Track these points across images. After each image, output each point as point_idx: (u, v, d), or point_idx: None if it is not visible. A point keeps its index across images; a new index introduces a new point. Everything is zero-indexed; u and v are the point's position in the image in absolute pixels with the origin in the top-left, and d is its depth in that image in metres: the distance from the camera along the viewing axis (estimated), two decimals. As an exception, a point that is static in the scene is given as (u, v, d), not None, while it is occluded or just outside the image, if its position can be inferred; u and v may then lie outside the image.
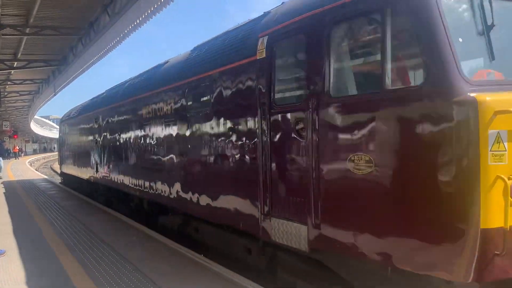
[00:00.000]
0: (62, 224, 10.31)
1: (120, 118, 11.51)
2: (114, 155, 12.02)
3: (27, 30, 14.70)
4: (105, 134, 13.01)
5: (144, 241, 8.27)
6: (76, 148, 17.59)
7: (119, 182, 11.60)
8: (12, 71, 21.36)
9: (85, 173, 15.77)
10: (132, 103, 10.48)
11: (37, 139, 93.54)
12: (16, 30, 14.33)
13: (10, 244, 8.26)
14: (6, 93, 30.41)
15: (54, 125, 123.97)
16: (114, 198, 13.14)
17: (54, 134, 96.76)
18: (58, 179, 25.49)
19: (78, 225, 10.03)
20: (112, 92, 13.46)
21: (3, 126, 45.74)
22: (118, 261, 6.90)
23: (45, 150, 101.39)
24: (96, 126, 14.01)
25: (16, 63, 19.91)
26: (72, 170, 18.63)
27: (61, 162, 22.68)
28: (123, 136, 11.17)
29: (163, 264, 6.66)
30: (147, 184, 9.43)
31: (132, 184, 10.48)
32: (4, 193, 17.17)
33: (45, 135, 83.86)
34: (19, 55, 18.73)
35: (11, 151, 55.63)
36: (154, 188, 8.98)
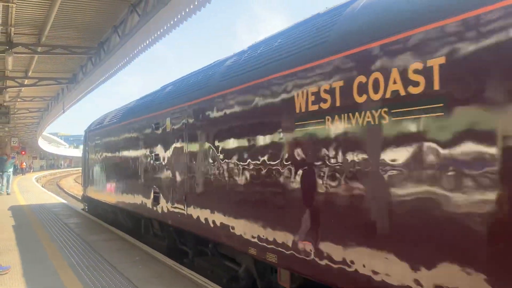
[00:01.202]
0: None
1: (208, 121, 6.91)
2: (196, 179, 7.26)
3: (39, 49, 14.97)
4: (179, 147, 7.98)
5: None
6: (113, 166, 12.41)
7: (209, 223, 6.74)
8: (23, 88, 21.66)
9: (130, 202, 10.79)
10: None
11: (44, 155, 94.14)
12: (28, 48, 14.60)
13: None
14: (16, 110, 30.81)
15: (62, 142, 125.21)
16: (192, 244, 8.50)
17: (61, 151, 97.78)
18: (71, 202, 21.88)
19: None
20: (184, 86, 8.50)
21: (12, 142, 46.17)
22: None
23: (51, 167, 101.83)
24: (158, 135, 8.96)
25: (26, 80, 20.22)
26: (103, 195, 13.61)
27: (85, 183, 16.82)
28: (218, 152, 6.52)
29: None
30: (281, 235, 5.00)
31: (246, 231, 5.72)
32: (13, 226, 12.83)
33: (53, 151, 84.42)
34: (29, 73, 19.03)
35: (18, 167, 56.01)
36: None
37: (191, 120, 7.50)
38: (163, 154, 8.73)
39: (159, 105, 9.24)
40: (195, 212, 7.23)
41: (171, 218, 8.29)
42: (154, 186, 9.17)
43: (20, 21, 12.57)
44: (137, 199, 10.28)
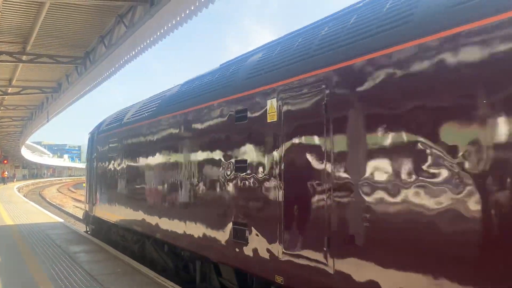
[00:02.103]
0: None
1: None
2: (362, 207, 4.06)
3: (24, 58, 14.87)
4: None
5: None
6: (144, 178, 9.10)
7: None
8: (6, 96, 21.43)
9: (178, 233, 7.45)
10: None
11: (27, 164, 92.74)
12: (12, 57, 14.50)
13: None
14: (-2, 118, 30.44)
15: (45, 151, 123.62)
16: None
17: (45, 160, 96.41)
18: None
19: None
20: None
21: (-7, 151, 45.44)
22: None
23: (34, 176, 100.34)
24: (244, 128, 5.88)
25: (10, 89, 20.02)
26: (122, 218, 10.29)
27: (91, 199, 13.23)
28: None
29: None
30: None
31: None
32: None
33: (36, 161, 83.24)
34: (14, 81, 18.86)
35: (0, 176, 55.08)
36: None
37: (346, 95, 4.22)
38: (258, 159, 5.45)
39: (248, 81, 5.86)
40: (359, 273, 3.95)
41: (285, 272, 4.87)
42: (235, 213, 5.85)
43: (5, 29, 12.50)
44: (194, 229, 6.87)
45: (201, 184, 6.81)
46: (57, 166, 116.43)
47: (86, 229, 14.47)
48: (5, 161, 57.06)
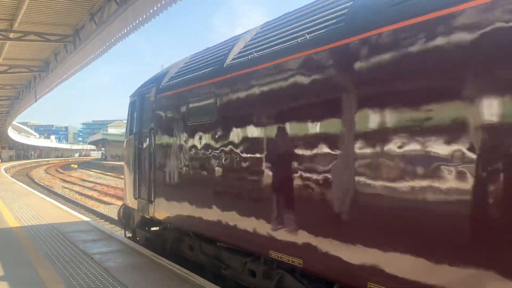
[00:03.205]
0: None
1: None
2: None
3: (11, 35, 14.52)
4: None
5: None
6: (251, 160, 5.77)
7: None
8: (-8, 75, 21.01)
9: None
10: None
11: (13, 145, 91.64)
12: (-1, 34, 14.15)
13: None
14: (-16, 98, 29.87)
15: (32, 131, 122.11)
16: None
17: (32, 141, 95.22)
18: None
19: None
20: None
21: (-21, 131, 44.77)
22: None
23: (20, 158, 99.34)
24: None
25: (-3, 67, 19.61)
26: (210, 219, 6.59)
27: (141, 194, 9.06)
28: None
29: None
30: None
31: None
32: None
33: (23, 141, 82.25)
34: (0, 60, 18.46)
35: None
36: None
37: None
38: None
39: None
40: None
41: None
42: None
43: (-8, 5, 12.16)
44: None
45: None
46: (44, 147, 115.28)
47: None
48: (-9, 142, 56.29)
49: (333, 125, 4.56)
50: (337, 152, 4.50)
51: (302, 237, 4.87)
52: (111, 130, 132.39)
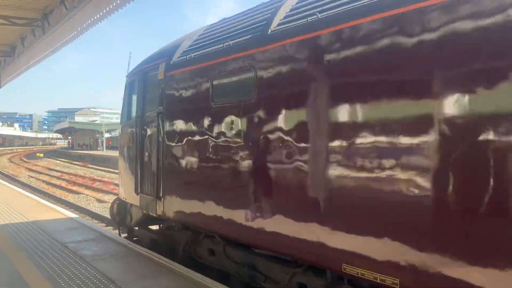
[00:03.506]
0: None
1: None
2: None
3: (-25, 18, 13.91)
4: None
5: None
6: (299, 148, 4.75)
7: None
8: (-46, 59, 20.10)
9: None
10: None
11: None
12: (-38, 16, 13.54)
13: None
14: None
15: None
16: None
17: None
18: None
19: None
20: None
21: None
22: None
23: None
24: None
25: (-42, 51, 18.78)
26: (233, 219, 5.69)
27: (145, 188, 7.88)
28: None
29: None
30: None
31: None
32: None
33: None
34: (-38, 43, 17.69)
35: None
36: None
37: None
38: None
39: None
40: None
41: None
42: None
43: (-45, -15, 11.60)
44: None
45: None
46: (8, 135, 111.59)
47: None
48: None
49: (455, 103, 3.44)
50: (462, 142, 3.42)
51: (401, 252, 3.77)
52: (78, 119, 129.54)
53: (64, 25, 12.42)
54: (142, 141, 7.96)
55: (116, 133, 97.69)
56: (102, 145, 65.78)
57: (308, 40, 4.67)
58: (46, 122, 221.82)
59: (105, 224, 14.09)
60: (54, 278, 6.08)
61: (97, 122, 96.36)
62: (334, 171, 4.33)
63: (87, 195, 21.46)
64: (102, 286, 5.79)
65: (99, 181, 28.22)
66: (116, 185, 25.16)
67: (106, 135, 72.16)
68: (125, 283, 5.89)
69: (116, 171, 34.46)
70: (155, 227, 8.80)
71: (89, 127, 74.90)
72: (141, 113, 8.06)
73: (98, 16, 11.02)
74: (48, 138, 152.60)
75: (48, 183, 27.95)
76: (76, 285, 5.80)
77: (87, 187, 24.99)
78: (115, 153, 49.49)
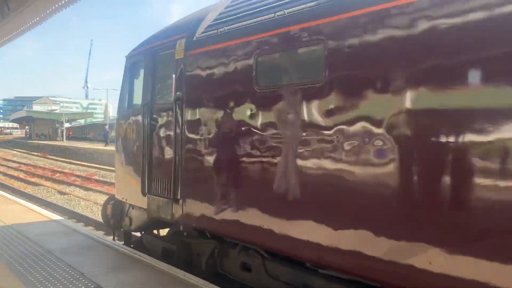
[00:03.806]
0: None
1: None
2: None
3: None
4: None
5: None
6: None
7: None
8: None
9: None
10: None
11: None
12: None
13: None
14: None
15: None
16: None
17: None
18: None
19: None
20: None
21: None
22: None
23: None
24: None
25: None
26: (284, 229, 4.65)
27: (163, 186, 6.52)
28: None
29: None
30: None
31: None
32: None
33: None
34: None
35: None
36: None
37: None
38: None
39: None
40: None
41: None
42: None
43: None
44: None
45: None
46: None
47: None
48: None
49: None
50: None
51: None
52: (36, 108, 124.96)
53: (26, 9, 11.94)
54: (151, 133, 6.73)
55: (77, 123, 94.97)
56: (62, 135, 63.79)
57: (411, 4, 3.64)
58: (1, 111, 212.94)
59: (75, 220, 13.73)
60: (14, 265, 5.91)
61: (56, 111, 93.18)
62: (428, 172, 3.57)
63: (48, 187, 20.82)
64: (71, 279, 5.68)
65: (60, 172, 27.41)
66: (79, 176, 24.52)
67: (66, 125, 69.95)
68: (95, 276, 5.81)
69: (78, 162, 33.57)
70: (154, 231, 7.84)
71: (49, 117, 72.32)
72: (150, 100, 6.81)
73: (63, 2, 10.68)
74: (3, 127, 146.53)
75: (5, 174, 26.93)
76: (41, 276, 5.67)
77: (47, 179, 24.23)
78: (76, 144, 48.13)
